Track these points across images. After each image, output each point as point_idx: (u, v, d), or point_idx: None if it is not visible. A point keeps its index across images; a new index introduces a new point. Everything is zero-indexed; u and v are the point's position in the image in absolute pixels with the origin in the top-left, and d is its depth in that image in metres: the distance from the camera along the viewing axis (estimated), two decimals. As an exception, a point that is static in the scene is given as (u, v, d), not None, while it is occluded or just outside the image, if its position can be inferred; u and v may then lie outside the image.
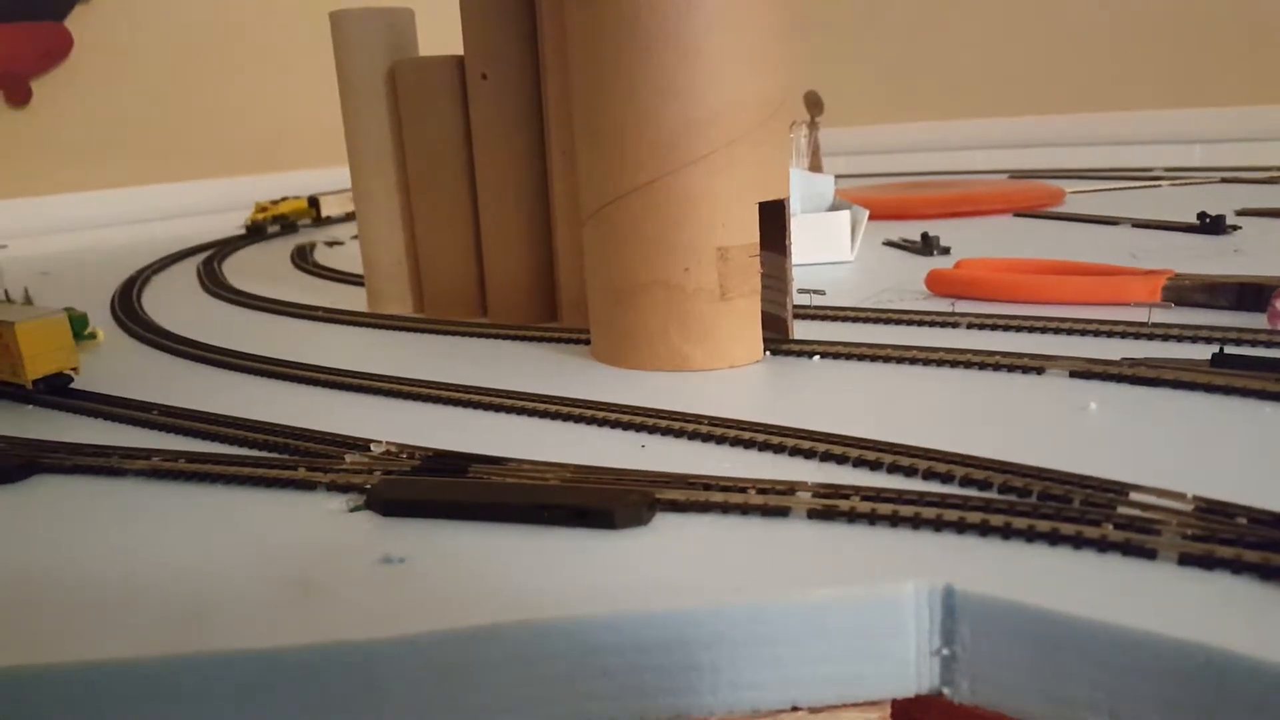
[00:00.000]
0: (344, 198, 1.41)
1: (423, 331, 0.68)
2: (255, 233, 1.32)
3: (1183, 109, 1.49)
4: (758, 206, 0.52)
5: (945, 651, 0.29)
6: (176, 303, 0.88)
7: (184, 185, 1.48)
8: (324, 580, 0.32)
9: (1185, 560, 0.28)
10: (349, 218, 1.42)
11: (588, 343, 0.59)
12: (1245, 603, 0.26)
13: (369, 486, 0.37)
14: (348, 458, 0.41)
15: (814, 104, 1.56)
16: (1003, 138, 1.64)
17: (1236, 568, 0.28)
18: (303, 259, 1.07)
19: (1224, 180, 1.21)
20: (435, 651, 0.28)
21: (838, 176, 1.52)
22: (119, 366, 0.65)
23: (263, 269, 1.04)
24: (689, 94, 0.50)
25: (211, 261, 1.10)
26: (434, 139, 0.69)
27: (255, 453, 0.44)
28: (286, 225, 1.36)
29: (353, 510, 0.37)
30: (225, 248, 1.22)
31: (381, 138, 0.71)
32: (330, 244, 1.21)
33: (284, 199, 1.38)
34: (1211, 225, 0.85)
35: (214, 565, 0.33)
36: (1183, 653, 0.25)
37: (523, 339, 0.63)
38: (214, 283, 0.95)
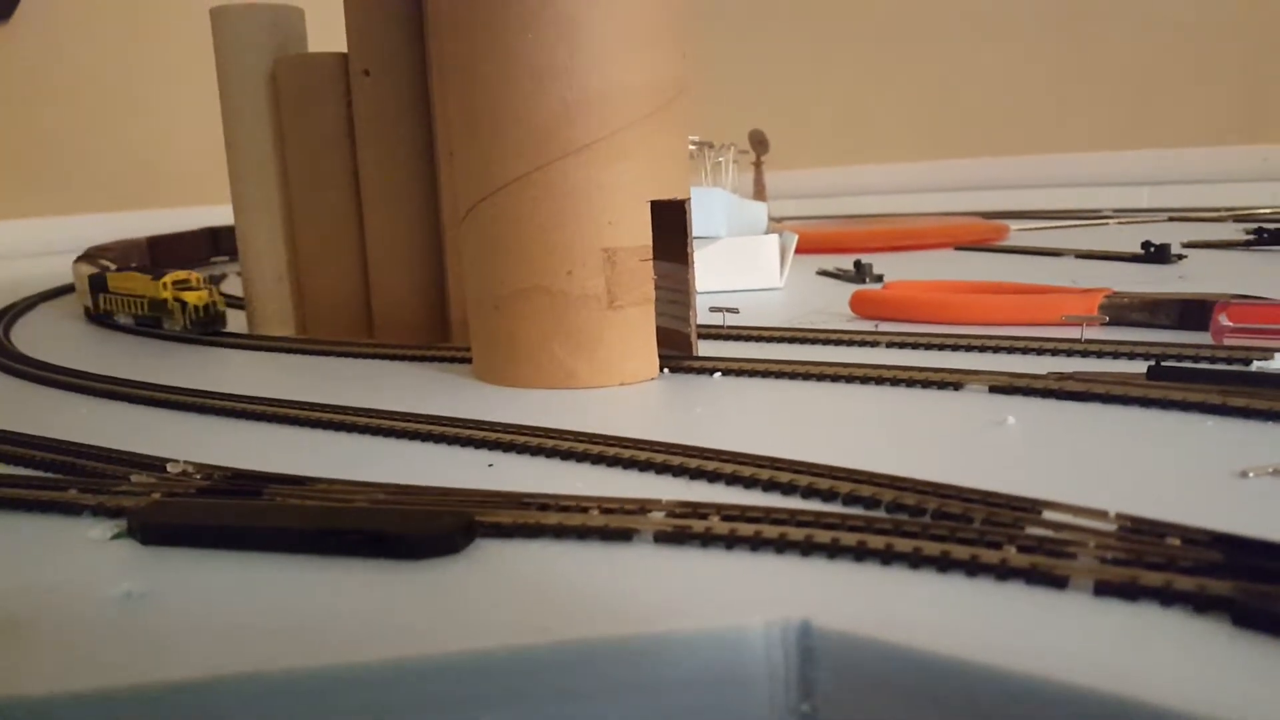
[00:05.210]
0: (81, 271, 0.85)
1: (297, 352, 0.61)
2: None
3: (1132, 150, 1.47)
4: (649, 205, 0.47)
5: (805, 707, 0.23)
6: (54, 330, 0.81)
7: (110, 216, 1.40)
8: (38, 620, 0.25)
9: (1102, 589, 0.22)
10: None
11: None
12: (1174, 640, 0.21)
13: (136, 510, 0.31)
14: (133, 478, 0.34)
15: (759, 143, 1.52)
16: (953, 180, 1.61)
17: (1165, 598, 0.22)
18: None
19: (1171, 219, 1.18)
20: (120, 711, 0.21)
21: (785, 218, 1.48)
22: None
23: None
24: (569, 75, 0.45)
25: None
26: (316, 144, 0.63)
27: (33, 472, 0.37)
28: None
29: (114, 538, 0.30)
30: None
31: (262, 144, 0.65)
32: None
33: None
34: (1157, 254, 0.81)
35: (-88, 602, 0.27)
36: (1095, 704, 0.19)
37: (406, 359, 0.57)
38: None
